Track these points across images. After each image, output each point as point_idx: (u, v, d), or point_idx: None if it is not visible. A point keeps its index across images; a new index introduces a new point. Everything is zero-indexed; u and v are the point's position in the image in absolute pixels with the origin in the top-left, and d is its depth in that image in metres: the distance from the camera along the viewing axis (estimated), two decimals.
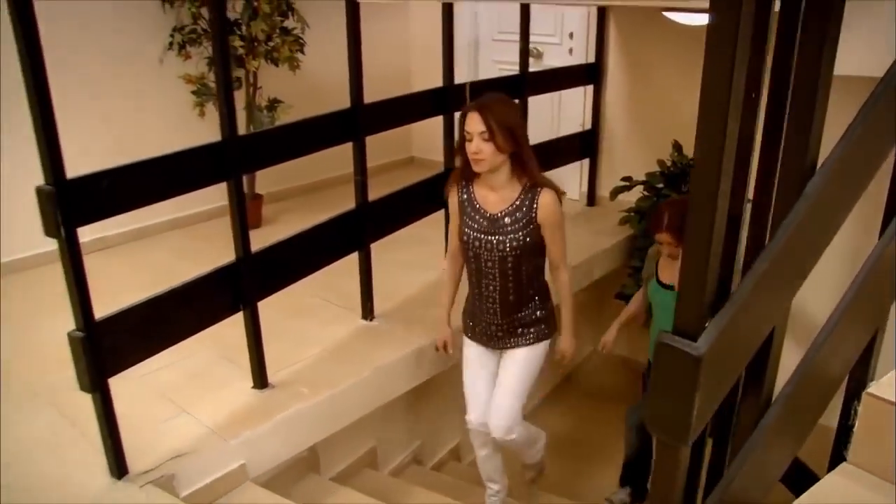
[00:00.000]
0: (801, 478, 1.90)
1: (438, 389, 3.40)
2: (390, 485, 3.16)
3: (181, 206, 4.12)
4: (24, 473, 2.33)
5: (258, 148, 2.73)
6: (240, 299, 2.63)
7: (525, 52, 3.92)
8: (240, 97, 4.25)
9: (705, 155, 0.99)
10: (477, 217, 2.54)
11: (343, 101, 2.96)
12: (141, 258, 4.03)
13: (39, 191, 2.01)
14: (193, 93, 4.10)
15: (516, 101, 3.99)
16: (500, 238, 2.49)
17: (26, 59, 1.89)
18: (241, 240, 2.57)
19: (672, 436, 1.11)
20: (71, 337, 2.08)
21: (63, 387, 2.34)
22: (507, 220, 2.49)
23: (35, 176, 2.01)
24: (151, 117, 4.23)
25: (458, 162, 2.54)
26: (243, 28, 3.99)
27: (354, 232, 3.12)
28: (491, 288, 2.59)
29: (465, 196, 2.57)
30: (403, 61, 5.64)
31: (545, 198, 2.48)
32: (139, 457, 2.34)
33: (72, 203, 2.04)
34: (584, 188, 4.77)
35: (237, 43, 4.00)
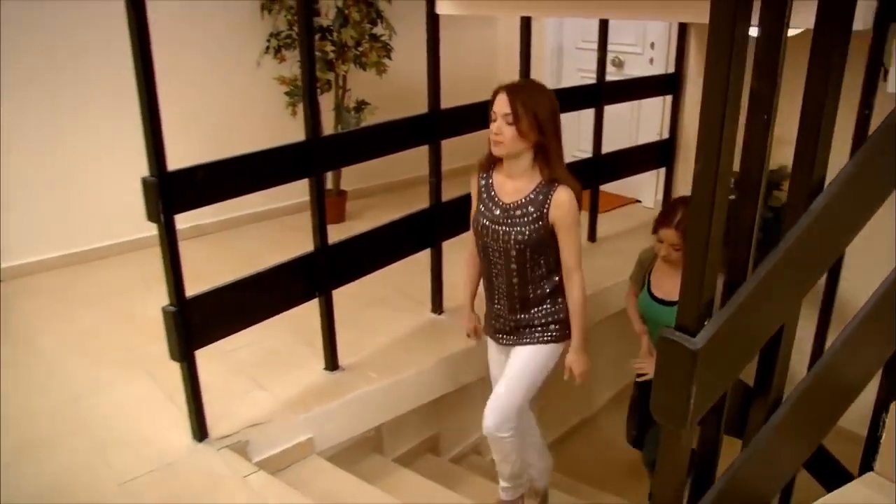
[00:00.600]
0: (839, 479, 1.97)
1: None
2: (450, 471, 3.33)
3: (272, 198, 4.40)
4: (121, 431, 2.63)
5: (338, 148, 2.96)
6: (316, 287, 2.85)
7: (602, 62, 4.02)
8: (330, 98, 4.52)
9: (704, 164, 1.11)
10: (490, 205, 2.45)
11: (419, 105, 3.15)
12: (232, 246, 4.34)
13: (144, 181, 2.27)
14: (286, 94, 4.38)
15: (592, 109, 4.11)
16: (507, 230, 2.39)
17: (139, 62, 2.16)
18: (319, 232, 2.80)
19: (671, 421, 1.23)
20: (164, 311, 2.35)
21: (158, 358, 2.61)
22: (518, 211, 2.38)
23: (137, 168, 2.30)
24: (248, 115, 4.54)
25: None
26: (334, 34, 4.23)
27: (427, 230, 3.31)
28: (498, 281, 2.51)
29: (484, 182, 2.48)
30: (490, 67, 5.80)
31: (560, 195, 2.34)
32: (218, 423, 2.60)
33: (171, 193, 2.29)
34: (660, 196, 4.83)
35: (328, 48, 4.25)
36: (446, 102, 3.18)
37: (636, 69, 4.82)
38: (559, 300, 2.50)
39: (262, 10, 4.22)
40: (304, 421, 2.72)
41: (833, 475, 2.06)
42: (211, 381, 2.62)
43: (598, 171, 4.20)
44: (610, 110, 4.15)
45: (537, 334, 2.52)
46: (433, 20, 3.03)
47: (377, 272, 3.09)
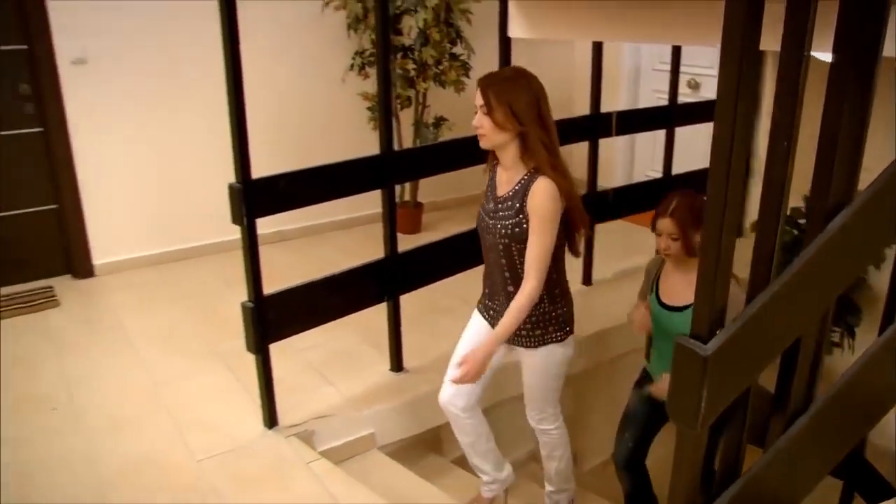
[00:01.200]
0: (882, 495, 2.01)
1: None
2: None
3: (352, 208, 4.64)
4: (200, 415, 2.87)
5: (409, 162, 3.14)
6: (384, 292, 3.03)
7: (675, 84, 4.09)
8: (410, 114, 4.72)
9: (716, 187, 1.22)
10: (489, 198, 2.41)
11: None
12: (311, 252, 4.58)
13: (230, 187, 2.50)
14: (368, 109, 4.60)
15: (662, 130, 4.17)
16: (494, 222, 2.34)
17: (230, 76, 2.39)
18: (390, 240, 2.98)
19: (684, 422, 1.33)
20: (243, 306, 2.56)
21: (236, 352, 2.82)
22: (506, 204, 2.31)
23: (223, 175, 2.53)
24: (332, 128, 4.79)
25: None
26: (416, 53, 4.43)
27: None
28: (493, 278, 2.47)
29: (490, 175, 2.44)
30: (568, 87, 5.91)
31: (538, 185, 2.22)
32: (287, 413, 2.80)
33: (254, 198, 2.51)
34: None
35: (410, 66, 4.45)
36: None
37: (712, 91, 4.83)
38: (556, 301, 2.40)
39: (348, 30, 4.46)
40: (367, 417, 2.90)
41: (876, 490, 2.09)
42: (283, 375, 2.84)
43: (668, 191, 4.23)
44: (688, 132, 4.19)
45: (538, 334, 2.42)
46: (505, 43, 3.18)
47: (444, 281, 3.23)
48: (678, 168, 4.24)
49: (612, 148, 5.17)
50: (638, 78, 5.39)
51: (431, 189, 5.06)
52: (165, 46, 4.21)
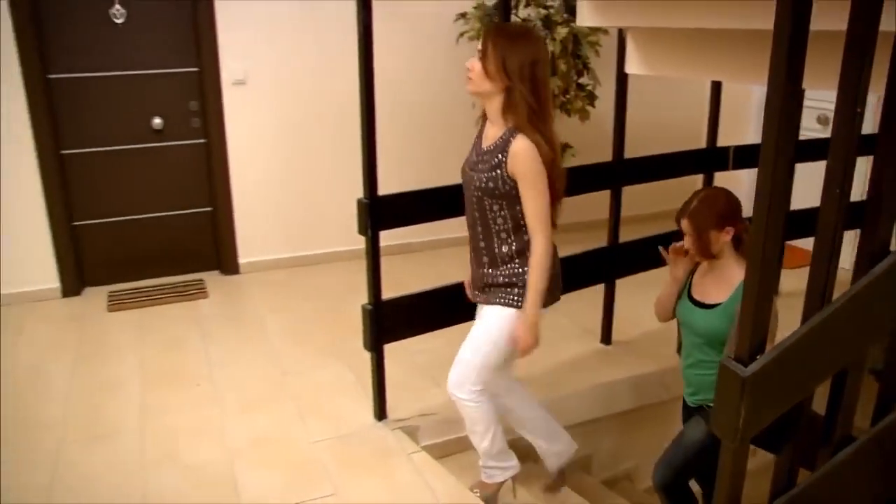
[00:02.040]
0: None
1: (661, 419, 3.74)
2: (600, 492, 3.57)
3: None
4: (318, 403, 3.21)
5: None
6: None
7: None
8: None
9: (759, 222, 1.38)
10: (473, 151, 2.46)
11: (628, 149, 3.49)
12: (432, 264, 4.87)
13: (359, 202, 2.81)
14: None
15: None
16: (473, 174, 2.38)
17: (364, 101, 2.71)
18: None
19: (724, 435, 1.49)
20: (363, 308, 2.87)
21: (355, 349, 3.13)
22: (485, 157, 2.35)
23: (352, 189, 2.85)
24: (460, 150, 5.05)
25: None
26: None
27: (603, 267, 3.61)
28: (471, 233, 2.50)
29: (478, 129, 2.48)
30: (701, 115, 5.94)
31: (516, 145, 2.24)
32: (396, 408, 3.08)
33: (379, 213, 2.81)
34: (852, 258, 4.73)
35: None
36: (653, 149, 3.44)
37: None
38: (525, 264, 2.38)
39: None
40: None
41: None
42: (395, 373, 3.13)
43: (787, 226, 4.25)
44: (813, 167, 4.17)
45: (501, 295, 2.41)
46: (622, 78, 3.35)
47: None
48: (797, 205, 4.22)
49: (737, 181, 5.18)
50: (760, 111, 5.36)
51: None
52: (311, 71, 4.65)
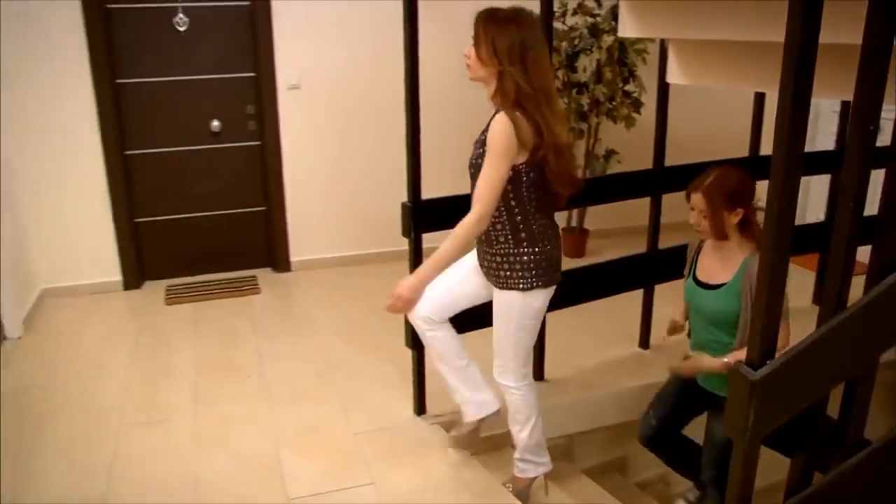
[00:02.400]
0: None
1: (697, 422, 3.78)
2: (633, 493, 3.63)
3: None
4: (361, 396, 3.35)
5: None
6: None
7: (843, 129, 4.09)
8: (582, 146, 5.01)
9: (771, 229, 1.45)
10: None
11: (673, 157, 3.55)
12: None
13: (403, 205, 2.94)
14: None
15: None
16: (472, 154, 2.47)
17: (409, 111, 2.83)
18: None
19: (735, 435, 1.57)
20: None
21: (399, 347, 3.24)
22: (481, 137, 2.43)
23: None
24: None
25: None
26: (590, 89, 4.72)
27: (642, 272, 3.67)
28: None
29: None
30: (743, 126, 5.92)
31: (494, 120, 2.31)
32: (435, 404, 3.20)
33: (422, 216, 2.92)
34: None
35: (584, 101, 4.75)
36: (698, 157, 3.48)
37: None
38: (521, 244, 2.43)
39: None
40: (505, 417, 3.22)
41: None
42: (436, 371, 3.22)
43: (827, 237, 4.24)
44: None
45: (508, 276, 2.47)
46: (663, 89, 3.42)
47: (594, 303, 3.47)
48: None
49: None
50: (817, 119, 5.33)
51: (599, 216, 5.31)
52: (362, 77, 4.79)
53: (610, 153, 5.02)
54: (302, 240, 4.99)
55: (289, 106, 4.73)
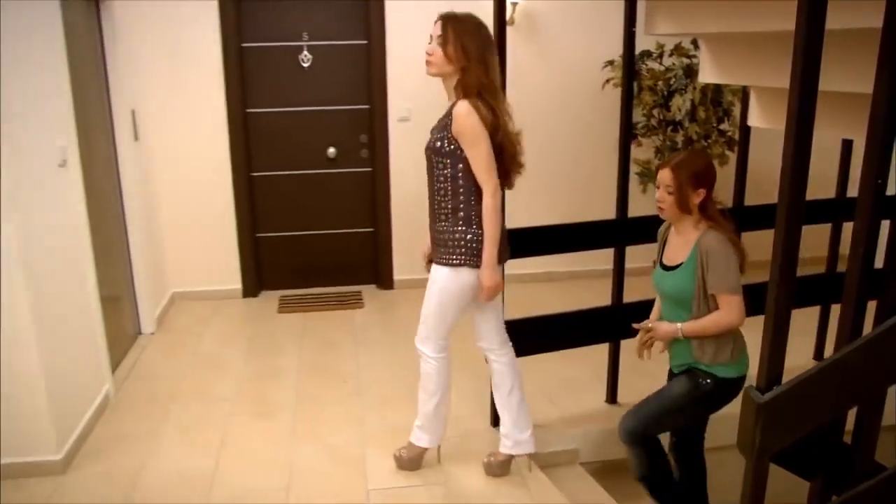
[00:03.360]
0: None
1: None
2: None
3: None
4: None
5: (639, 228, 3.62)
6: (609, 333, 3.55)
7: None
8: None
9: (782, 252, 1.65)
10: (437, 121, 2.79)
11: (758, 197, 3.70)
12: (571, 292, 5.18)
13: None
14: (637, 174, 5.12)
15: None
16: (429, 138, 2.78)
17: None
18: (616, 292, 3.50)
19: (745, 453, 1.75)
20: None
21: (480, 361, 3.48)
22: (440, 123, 2.74)
23: None
24: (605, 189, 5.37)
25: None
26: (685, 127, 4.87)
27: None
28: (429, 191, 2.84)
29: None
30: (831, 167, 5.87)
31: (456, 108, 2.62)
32: None
33: (518, 242, 3.11)
34: None
35: (679, 138, 4.90)
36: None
37: None
38: (472, 225, 2.70)
39: None
40: (576, 435, 3.43)
41: None
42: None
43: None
44: None
45: (443, 252, 2.76)
46: (744, 131, 3.56)
47: None
48: None
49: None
50: None
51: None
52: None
53: None
54: (405, 260, 5.35)
55: (399, 136, 5.13)
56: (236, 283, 5.19)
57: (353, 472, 3.10)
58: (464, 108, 2.60)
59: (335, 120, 5.12)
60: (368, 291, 5.35)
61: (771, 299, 1.69)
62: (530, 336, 3.30)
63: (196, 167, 4.93)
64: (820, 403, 1.75)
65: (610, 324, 3.52)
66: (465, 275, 2.75)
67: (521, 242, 3.18)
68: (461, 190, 2.70)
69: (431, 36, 2.67)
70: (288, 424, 3.47)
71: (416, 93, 5.04)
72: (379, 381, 3.93)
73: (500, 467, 3.09)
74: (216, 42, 4.76)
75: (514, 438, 3.06)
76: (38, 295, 2.96)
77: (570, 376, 3.93)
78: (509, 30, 4.95)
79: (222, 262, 5.14)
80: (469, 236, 2.71)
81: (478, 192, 2.69)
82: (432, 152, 2.74)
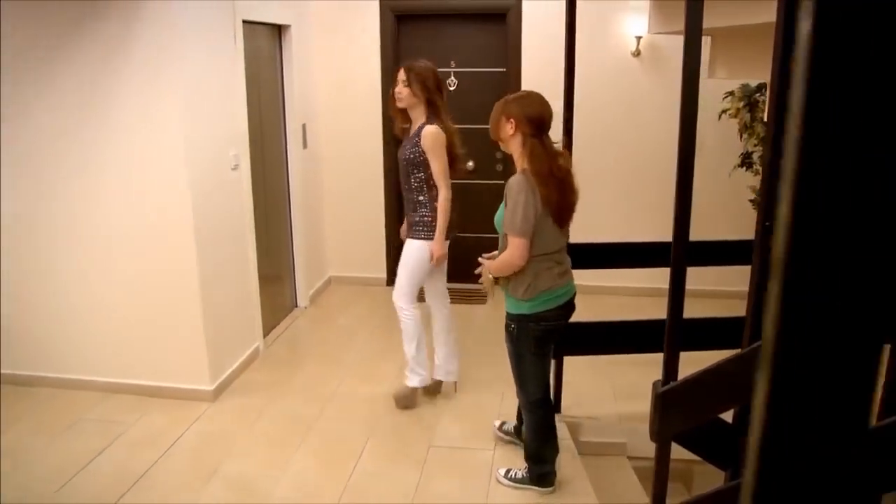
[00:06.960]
0: None
1: None
2: None
3: (718, 281, 5.45)
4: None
5: (704, 251, 4.00)
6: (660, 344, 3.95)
7: None
8: None
9: (675, 260, 2.13)
10: (404, 139, 3.82)
11: None
12: (631, 305, 5.53)
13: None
14: (751, 201, 5.36)
15: None
16: (401, 151, 3.80)
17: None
18: (672, 307, 3.89)
19: (651, 436, 2.25)
20: None
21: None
22: (411, 140, 3.70)
23: None
24: (720, 214, 5.66)
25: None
26: None
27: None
28: (402, 190, 3.91)
29: (408, 128, 3.81)
30: None
31: (425, 129, 3.64)
32: (570, 406, 3.98)
33: (580, 256, 3.68)
34: None
35: None
36: None
37: None
38: (425, 207, 3.76)
39: (740, 134, 5.30)
40: (626, 429, 3.89)
41: None
42: (579, 380, 4.02)
43: None
44: None
45: (415, 231, 3.83)
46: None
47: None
48: None
49: None
50: None
51: (722, 277, 5.54)
52: (583, 130, 5.64)
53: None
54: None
55: None
56: (381, 273, 6.08)
57: (425, 430, 3.84)
58: (433, 129, 3.65)
59: (475, 137, 5.80)
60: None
61: (672, 308, 2.18)
62: (585, 337, 3.81)
63: (355, 173, 5.88)
64: (707, 398, 2.21)
65: (662, 335, 3.92)
66: (426, 245, 3.81)
67: (584, 256, 3.71)
68: (425, 188, 3.77)
69: (397, 80, 3.70)
70: (388, 390, 4.24)
71: None
72: (475, 365, 4.58)
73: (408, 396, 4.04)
74: (376, 68, 5.65)
75: (445, 368, 4.09)
76: (205, 263, 3.96)
77: (634, 374, 4.35)
78: (635, 61, 5.51)
79: (372, 254, 6.05)
80: (429, 220, 3.77)
81: (436, 189, 3.74)
82: (405, 161, 3.75)
